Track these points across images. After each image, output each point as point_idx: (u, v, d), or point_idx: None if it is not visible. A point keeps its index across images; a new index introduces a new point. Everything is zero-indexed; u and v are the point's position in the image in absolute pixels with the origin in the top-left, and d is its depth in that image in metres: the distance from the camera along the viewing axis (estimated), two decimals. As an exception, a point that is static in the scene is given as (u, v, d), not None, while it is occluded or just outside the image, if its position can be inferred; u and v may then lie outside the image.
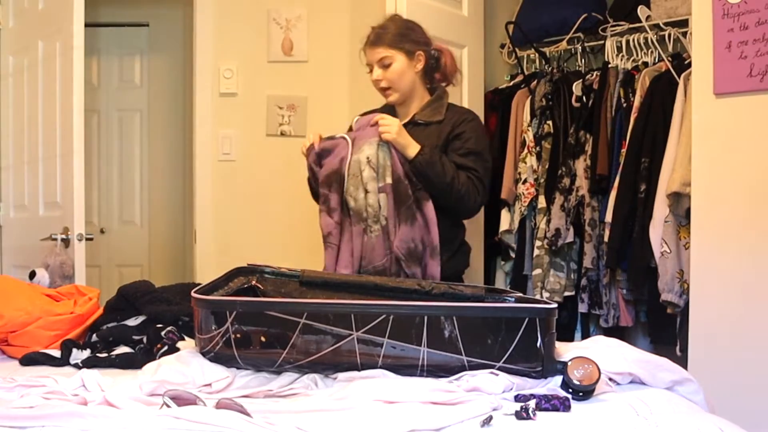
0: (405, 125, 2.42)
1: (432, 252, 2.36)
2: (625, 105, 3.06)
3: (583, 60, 3.36)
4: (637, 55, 3.15)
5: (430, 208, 2.36)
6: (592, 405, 1.40)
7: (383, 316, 1.48)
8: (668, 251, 2.77)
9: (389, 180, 2.32)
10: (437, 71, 2.55)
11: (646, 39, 3.11)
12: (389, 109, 2.55)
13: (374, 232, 2.32)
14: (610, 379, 1.51)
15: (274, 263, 2.01)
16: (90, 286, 2.26)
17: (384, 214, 2.31)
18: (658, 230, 2.81)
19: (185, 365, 1.55)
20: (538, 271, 3.21)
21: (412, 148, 2.34)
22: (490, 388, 1.41)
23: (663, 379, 1.54)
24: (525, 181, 3.30)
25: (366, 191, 2.32)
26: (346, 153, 2.36)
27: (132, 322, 1.98)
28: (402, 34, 2.47)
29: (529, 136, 3.32)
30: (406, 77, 2.47)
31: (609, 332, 2.97)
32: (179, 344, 1.82)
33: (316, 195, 2.51)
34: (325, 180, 2.38)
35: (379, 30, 2.49)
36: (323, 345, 1.50)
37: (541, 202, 3.25)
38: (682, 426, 1.28)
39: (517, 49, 3.51)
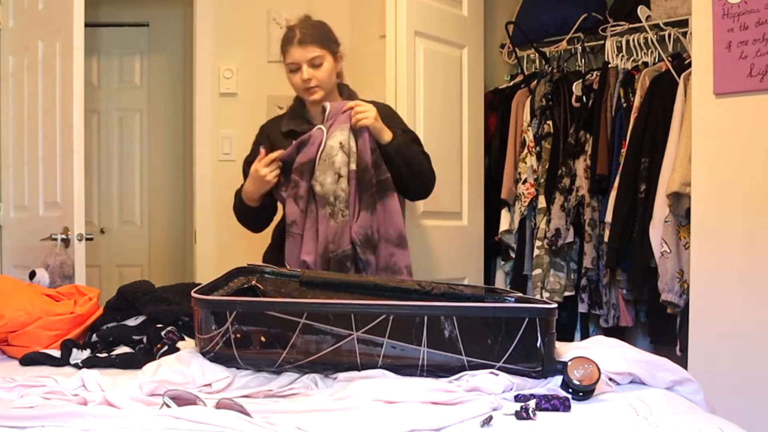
0: None
1: (399, 242, 2.42)
2: (625, 105, 3.06)
3: (583, 60, 3.36)
4: (637, 55, 3.15)
5: (393, 198, 2.42)
6: (592, 405, 1.40)
7: (383, 316, 1.48)
8: (668, 251, 2.77)
9: (353, 167, 2.36)
10: None
11: (646, 39, 3.11)
12: (299, 107, 2.62)
13: (345, 216, 2.35)
14: (610, 379, 1.51)
15: (274, 263, 2.01)
16: (90, 286, 2.25)
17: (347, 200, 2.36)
18: (658, 230, 2.81)
19: (185, 365, 1.55)
20: (538, 271, 3.21)
21: (388, 133, 2.40)
22: (490, 388, 1.41)
23: (663, 379, 1.54)
24: (525, 181, 3.30)
25: (339, 176, 2.35)
26: (322, 141, 2.38)
27: (132, 322, 1.98)
28: (327, 35, 2.56)
29: (529, 136, 3.32)
30: (332, 77, 2.55)
31: (609, 332, 2.97)
32: (179, 344, 1.82)
33: (249, 210, 2.55)
34: (299, 167, 2.40)
35: (303, 29, 2.53)
36: (323, 345, 1.50)
37: (541, 202, 3.25)
38: (682, 426, 1.28)
39: (517, 49, 3.51)
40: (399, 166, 2.42)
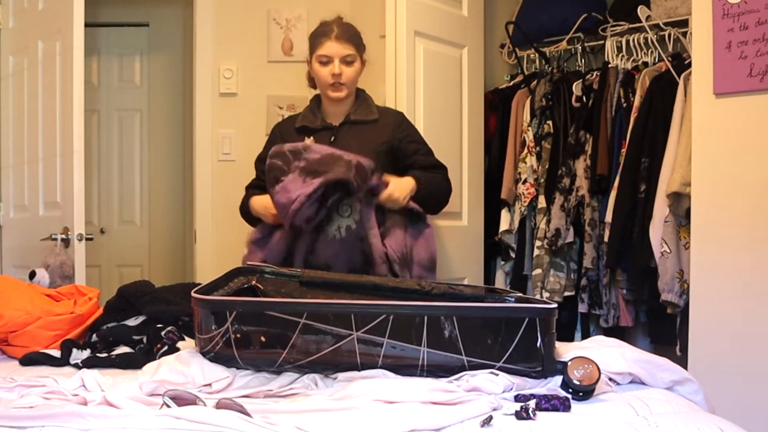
0: (341, 125, 2.54)
1: (431, 266, 2.48)
2: (625, 105, 3.06)
3: (583, 60, 3.36)
4: (637, 55, 3.15)
5: (429, 228, 2.51)
6: (592, 405, 1.40)
7: (383, 316, 1.48)
8: (668, 251, 2.77)
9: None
10: None
11: (646, 39, 3.11)
12: (315, 106, 2.61)
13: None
14: (610, 379, 1.51)
15: (274, 263, 2.01)
16: (90, 286, 2.25)
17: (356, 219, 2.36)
18: (658, 230, 2.81)
19: (185, 365, 1.55)
20: (538, 271, 3.21)
21: (411, 186, 2.45)
22: (490, 388, 1.41)
23: (663, 379, 1.55)
24: (525, 181, 3.30)
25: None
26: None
27: (132, 322, 1.98)
28: (360, 39, 2.58)
29: (529, 136, 3.32)
30: (357, 79, 2.58)
31: (609, 332, 2.97)
32: (179, 344, 1.82)
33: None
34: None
35: (340, 26, 2.55)
36: (323, 345, 1.50)
37: (541, 202, 3.25)
38: (682, 426, 1.28)
39: (517, 49, 3.51)
40: (426, 204, 2.50)
